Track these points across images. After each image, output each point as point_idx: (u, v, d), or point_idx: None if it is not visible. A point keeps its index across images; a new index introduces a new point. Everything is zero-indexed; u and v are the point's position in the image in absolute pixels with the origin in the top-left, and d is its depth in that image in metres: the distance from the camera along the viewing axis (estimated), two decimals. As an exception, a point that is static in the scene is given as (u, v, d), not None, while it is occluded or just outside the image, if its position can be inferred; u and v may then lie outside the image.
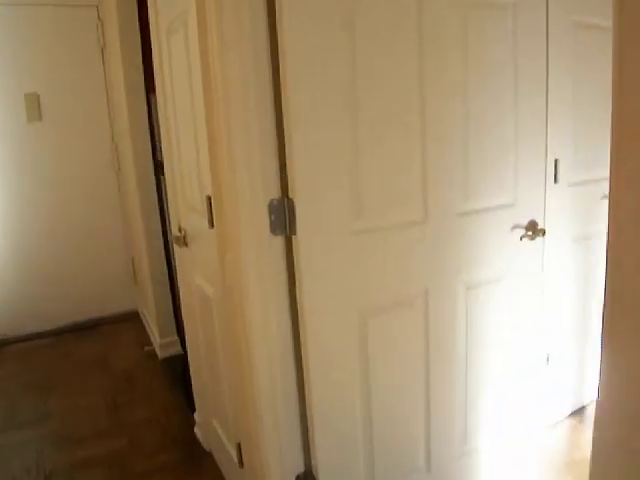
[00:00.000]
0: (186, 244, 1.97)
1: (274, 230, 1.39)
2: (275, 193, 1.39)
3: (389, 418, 1.63)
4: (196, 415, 2.39)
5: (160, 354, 3.27)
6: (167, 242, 3.08)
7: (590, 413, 2.39)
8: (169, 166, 2.07)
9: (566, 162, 2.03)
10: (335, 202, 1.40)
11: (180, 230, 2.02)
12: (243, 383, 1.56)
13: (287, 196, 1.37)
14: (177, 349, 3.23)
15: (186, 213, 1.96)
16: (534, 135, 1.76)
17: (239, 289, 1.46)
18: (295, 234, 1.37)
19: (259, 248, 1.39)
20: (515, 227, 1.78)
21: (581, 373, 2.37)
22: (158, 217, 3.12)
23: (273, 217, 1.38)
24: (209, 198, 1.57)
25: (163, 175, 2.37)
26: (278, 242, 1.42)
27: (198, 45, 1.43)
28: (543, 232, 1.78)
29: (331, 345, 1.47)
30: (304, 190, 1.35)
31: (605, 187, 2.25)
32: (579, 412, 2.40)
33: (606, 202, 2.29)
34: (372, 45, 1.38)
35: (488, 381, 1.85)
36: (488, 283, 1.77)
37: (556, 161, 1.97)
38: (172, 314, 3.22)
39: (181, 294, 2.27)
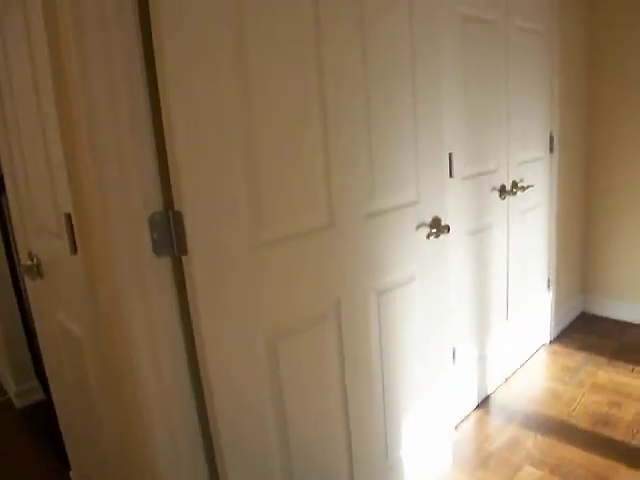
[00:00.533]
0: (41, 275, 1.61)
1: (158, 251, 1.13)
2: (157, 205, 1.13)
3: (309, 445, 1.44)
4: (72, 473, 2.02)
5: (17, 403, 2.76)
6: (15, 270, 2.60)
7: (494, 402, 2.42)
8: (11, 180, 1.69)
9: (459, 156, 2.01)
10: (232, 212, 1.18)
11: (31, 258, 1.64)
12: (131, 434, 1.28)
13: (172, 208, 1.12)
14: (39, 396, 2.74)
15: (38, 237, 1.60)
16: (432, 129, 1.69)
17: (118, 325, 1.18)
18: (185, 254, 1.13)
19: (140, 274, 1.13)
20: (420, 225, 1.69)
21: (483, 363, 2.39)
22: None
23: (156, 235, 1.12)
24: (68, 216, 1.26)
25: (4, 192, 1.95)
26: (164, 265, 1.16)
27: (45, 30, 1.13)
28: (447, 229, 1.71)
29: (238, 379, 1.25)
30: (194, 200, 1.11)
31: (493, 180, 2.31)
32: (484, 402, 2.42)
33: (495, 194, 2.30)
34: (266, 40, 1.18)
35: (404, 388, 1.75)
36: (399, 286, 1.66)
37: (450, 155, 1.94)
38: (29, 355, 2.73)
39: (39, 333, 1.88)
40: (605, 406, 2.30)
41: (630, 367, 2.59)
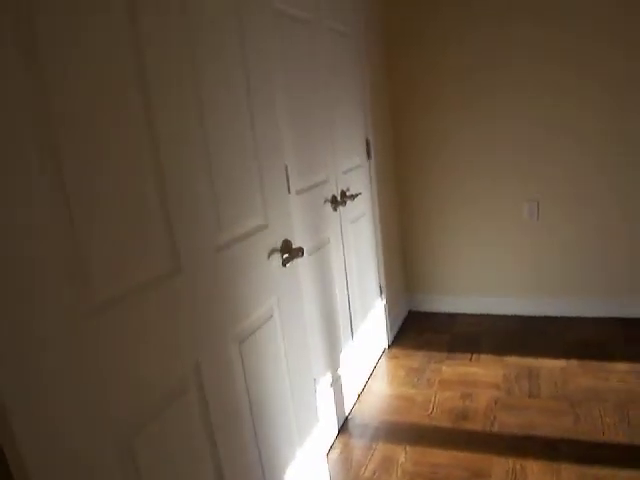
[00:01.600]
0: None
1: None
2: None
3: None
4: None
5: None
6: None
7: (354, 422, 2.32)
8: None
9: (293, 169, 1.85)
10: (46, 268, 0.82)
11: None
12: None
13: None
14: None
15: None
16: (270, 143, 1.49)
17: None
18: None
19: None
20: (272, 252, 1.48)
21: (337, 386, 2.27)
22: None
23: None
24: None
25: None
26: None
27: None
28: (301, 252, 1.53)
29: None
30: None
31: (325, 191, 2.21)
32: (345, 426, 2.30)
33: (328, 206, 2.15)
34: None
35: (277, 432, 1.52)
36: (259, 328, 1.43)
37: (286, 168, 1.76)
38: None
39: None
40: (458, 400, 2.37)
41: (468, 356, 2.74)
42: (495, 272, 3.11)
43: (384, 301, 2.91)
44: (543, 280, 3.02)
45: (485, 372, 2.56)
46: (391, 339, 3.01)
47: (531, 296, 3.07)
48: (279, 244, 1.53)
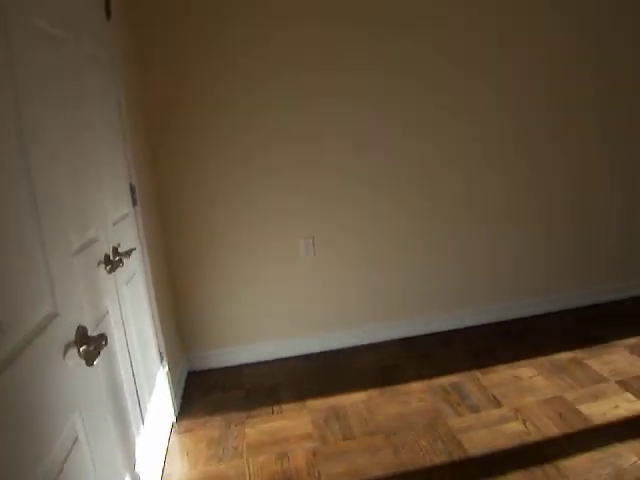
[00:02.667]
0: None
1: None
2: None
3: None
4: None
5: None
6: None
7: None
8: None
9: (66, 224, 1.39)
10: None
11: None
12: None
13: None
14: None
15: None
16: (53, 200, 1.07)
17: None
18: None
19: None
20: (68, 347, 1.05)
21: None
22: None
23: None
24: None
25: None
26: None
27: None
28: (104, 339, 1.13)
29: None
30: None
31: (98, 250, 1.75)
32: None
33: (102, 269, 1.72)
34: None
35: None
36: (65, 460, 0.98)
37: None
38: None
39: None
40: (275, 463, 2.15)
41: (269, 410, 2.54)
42: (278, 313, 3.02)
43: (166, 368, 2.51)
44: (327, 314, 3.05)
45: (293, 423, 2.41)
46: (178, 409, 2.62)
47: (319, 332, 3.07)
48: (72, 335, 1.09)
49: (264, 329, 3.02)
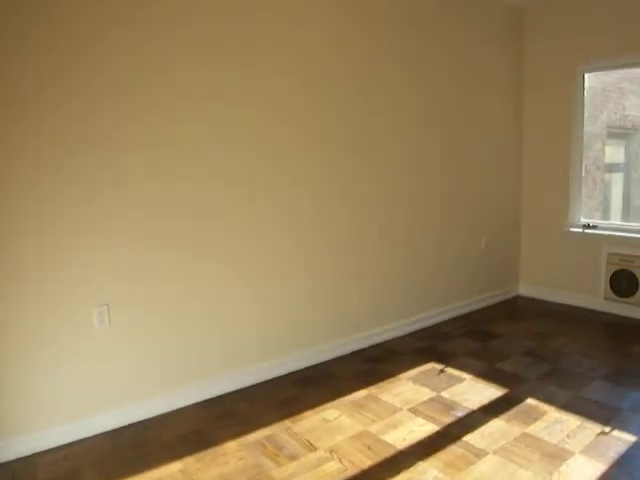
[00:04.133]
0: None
1: None
2: None
3: None
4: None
5: None
6: None
7: None
8: None
9: None
10: None
11: None
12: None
13: None
14: None
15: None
16: None
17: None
18: None
19: None
20: None
21: None
22: None
23: None
24: None
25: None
26: None
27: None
28: None
29: None
30: None
31: None
32: None
33: None
34: None
35: None
36: None
37: None
38: None
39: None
40: None
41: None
42: (72, 390, 2.63)
43: None
44: (125, 385, 2.79)
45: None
46: None
47: (121, 403, 2.77)
48: None
49: (59, 409, 2.62)
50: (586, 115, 4.65)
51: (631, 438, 2.50)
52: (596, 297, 4.60)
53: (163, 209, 2.85)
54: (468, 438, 2.54)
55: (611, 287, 4.42)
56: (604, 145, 5.35)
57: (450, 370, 3.38)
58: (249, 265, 3.22)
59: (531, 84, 4.91)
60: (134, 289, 2.79)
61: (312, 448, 2.51)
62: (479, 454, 2.40)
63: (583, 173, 4.78)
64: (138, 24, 2.67)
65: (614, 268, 4.39)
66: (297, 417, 2.82)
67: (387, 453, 2.44)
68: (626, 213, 5.43)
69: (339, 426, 2.71)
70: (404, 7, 3.86)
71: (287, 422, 2.77)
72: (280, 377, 3.37)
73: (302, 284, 3.49)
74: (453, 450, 2.44)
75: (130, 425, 2.80)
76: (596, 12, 4.37)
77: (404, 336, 4.09)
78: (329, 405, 2.95)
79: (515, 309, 4.86)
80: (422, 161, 4.15)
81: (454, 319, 4.52)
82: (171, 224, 2.88)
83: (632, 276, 4.27)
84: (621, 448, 2.41)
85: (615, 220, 5.16)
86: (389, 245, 3.99)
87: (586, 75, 4.59)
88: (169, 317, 2.92)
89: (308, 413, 2.87)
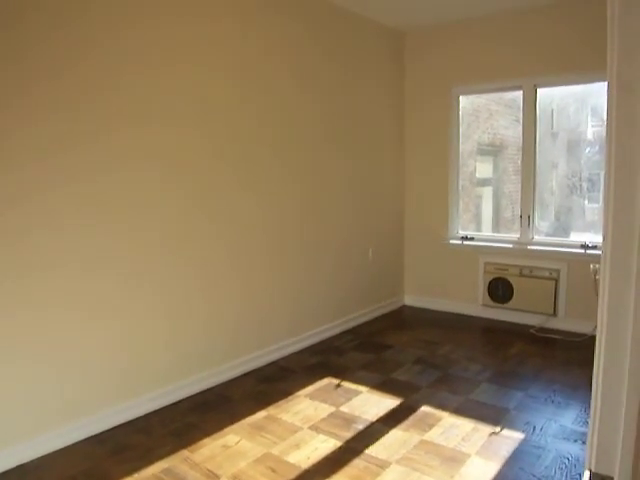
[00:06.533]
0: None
1: None
2: None
3: None
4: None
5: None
6: None
7: None
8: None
9: None
10: None
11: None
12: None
13: None
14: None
15: None
16: None
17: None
18: None
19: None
20: None
21: None
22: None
23: None
24: None
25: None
26: None
27: None
28: None
29: None
30: None
31: None
32: None
33: None
34: None
35: None
36: None
37: None
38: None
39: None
40: None
41: None
42: None
43: None
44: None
45: None
46: None
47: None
48: None
49: None
50: (461, 133, 5.07)
51: (520, 435, 2.74)
52: (475, 304, 5.00)
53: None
54: (370, 450, 2.63)
55: (489, 294, 4.83)
56: (475, 161, 5.83)
57: (346, 384, 3.47)
58: (127, 301, 3.08)
59: (411, 104, 5.25)
60: None
61: (214, 477, 2.44)
62: (383, 465, 2.49)
63: (460, 188, 5.19)
64: None
65: (491, 276, 4.81)
66: (195, 445, 2.73)
67: (292, 474, 2.45)
68: (496, 225, 5.93)
69: (240, 451, 2.66)
70: (299, 29, 3.96)
71: (185, 452, 2.67)
72: (175, 403, 3.24)
73: (190, 308, 3.41)
74: (357, 464, 2.51)
75: (5, 473, 2.53)
76: (468, 43, 4.81)
77: (297, 352, 4.13)
78: (228, 430, 2.89)
79: (403, 319, 5.12)
80: (308, 180, 4.25)
81: (346, 332, 4.65)
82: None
83: (507, 283, 4.70)
84: (511, 446, 2.64)
85: (487, 232, 5.63)
86: (277, 263, 4.02)
87: (460, 97, 5.00)
88: (49, 345, 2.70)
89: (207, 440, 2.79)
